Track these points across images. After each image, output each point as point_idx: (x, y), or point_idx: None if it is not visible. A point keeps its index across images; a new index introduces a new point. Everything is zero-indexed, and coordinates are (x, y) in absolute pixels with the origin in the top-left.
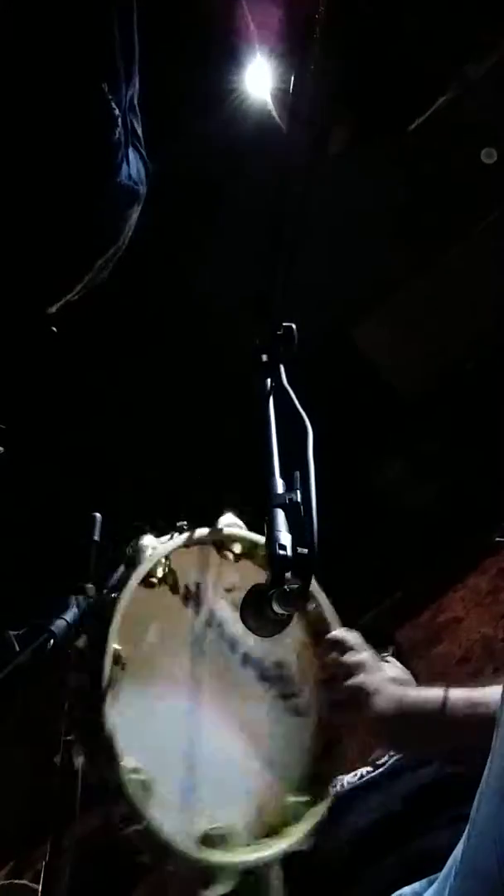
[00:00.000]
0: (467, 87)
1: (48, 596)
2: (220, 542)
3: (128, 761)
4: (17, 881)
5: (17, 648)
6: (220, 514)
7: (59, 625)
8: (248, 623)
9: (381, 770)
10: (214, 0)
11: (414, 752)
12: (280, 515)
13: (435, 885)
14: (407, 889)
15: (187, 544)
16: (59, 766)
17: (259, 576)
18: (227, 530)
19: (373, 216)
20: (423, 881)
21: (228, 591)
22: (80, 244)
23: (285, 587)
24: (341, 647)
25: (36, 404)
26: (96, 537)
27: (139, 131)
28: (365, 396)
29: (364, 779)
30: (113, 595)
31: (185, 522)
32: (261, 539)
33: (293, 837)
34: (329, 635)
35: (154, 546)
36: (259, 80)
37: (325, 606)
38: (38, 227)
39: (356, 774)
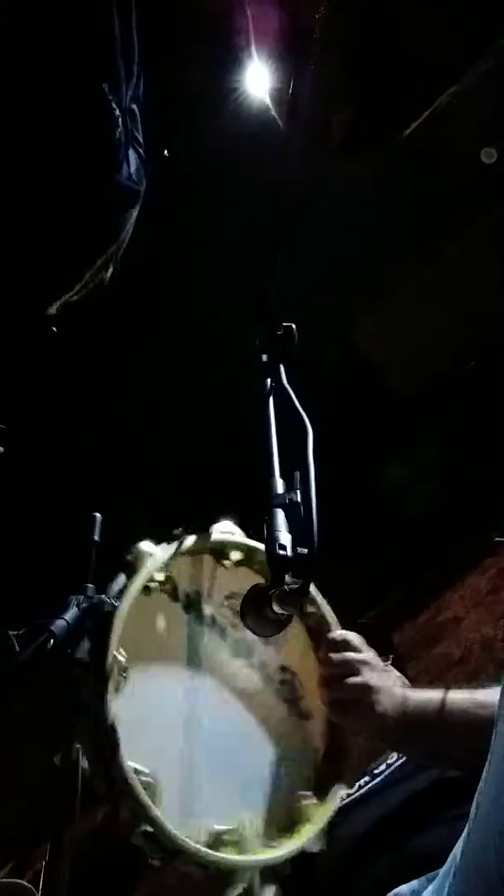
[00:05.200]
0: (467, 87)
1: (48, 596)
2: (218, 550)
3: (133, 763)
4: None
5: (17, 648)
6: (222, 514)
7: (59, 625)
8: (248, 623)
9: (378, 779)
10: (214, 0)
11: (417, 754)
12: (280, 515)
13: (434, 884)
14: (404, 887)
15: (185, 552)
16: (59, 766)
17: (257, 582)
18: (223, 537)
19: (372, 216)
20: (422, 879)
21: (228, 598)
22: (80, 242)
23: (285, 587)
24: (344, 646)
25: (36, 404)
26: (96, 537)
27: (139, 131)
28: (364, 396)
29: (362, 789)
30: (114, 603)
31: (181, 529)
32: (258, 545)
33: (302, 838)
34: (331, 635)
35: (152, 553)
36: (259, 80)
37: (325, 609)
38: (38, 225)
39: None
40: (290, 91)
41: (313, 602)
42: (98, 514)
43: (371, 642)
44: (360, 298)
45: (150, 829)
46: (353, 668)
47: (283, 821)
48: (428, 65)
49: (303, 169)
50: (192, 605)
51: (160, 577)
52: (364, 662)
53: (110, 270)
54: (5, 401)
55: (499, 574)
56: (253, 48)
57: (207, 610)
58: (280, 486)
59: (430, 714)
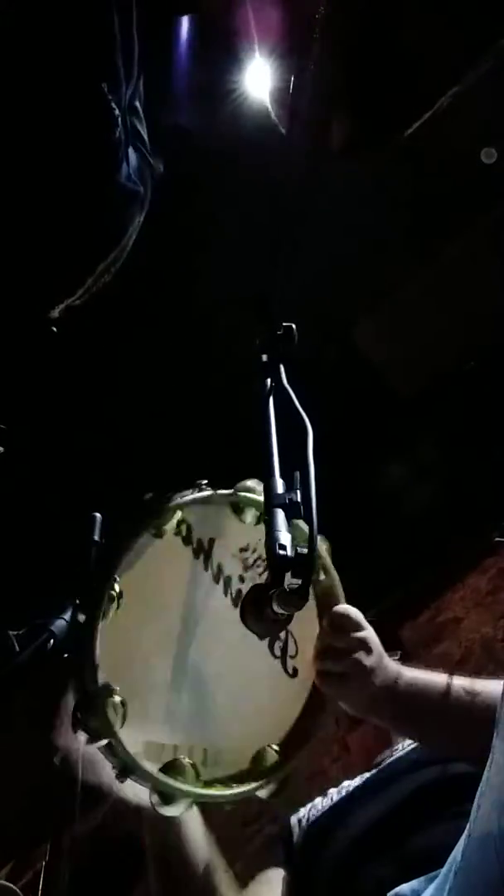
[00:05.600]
0: (467, 87)
1: (48, 596)
2: (237, 505)
3: (109, 680)
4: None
5: (17, 648)
6: None
7: (59, 625)
8: (248, 623)
9: (380, 771)
10: (214, 0)
11: (408, 734)
12: (280, 515)
13: (435, 884)
14: (405, 886)
15: (204, 501)
16: (59, 766)
17: None
18: (244, 494)
19: (372, 216)
20: (422, 879)
21: (242, 550)
22: (81, 245)
23: (285, 587)
24: (345, 621)
25: (36, 404)
26: (96, 537)
27: (142, 131)
28: (364, 396)
29: (363, 780)
30: (124, 537)
31: (206, 481)
32: None
33: (253, 786)
34: (335, 608)
35: (171, 497)
36: (259, 80)
37: (336, 581)
38: (37, 227)
39: (359, 777)
40: (291, 91)
41: (327, 571)
42: (98, 514)
43: (380, 639)
44: (360, 298)
45: (109, 742)
46: (350, 644)
47: (244, 765)
48: (428, 65)
49: (303, 169)
50: (203, 551)
51: (174, 521)
52: (361, 640)
53: (112, 272)
54: (5, 401)
55: (499, 574)
56: (253, 48)
57: (217, 558)
58: (280, 486)
59: (420, 693)
